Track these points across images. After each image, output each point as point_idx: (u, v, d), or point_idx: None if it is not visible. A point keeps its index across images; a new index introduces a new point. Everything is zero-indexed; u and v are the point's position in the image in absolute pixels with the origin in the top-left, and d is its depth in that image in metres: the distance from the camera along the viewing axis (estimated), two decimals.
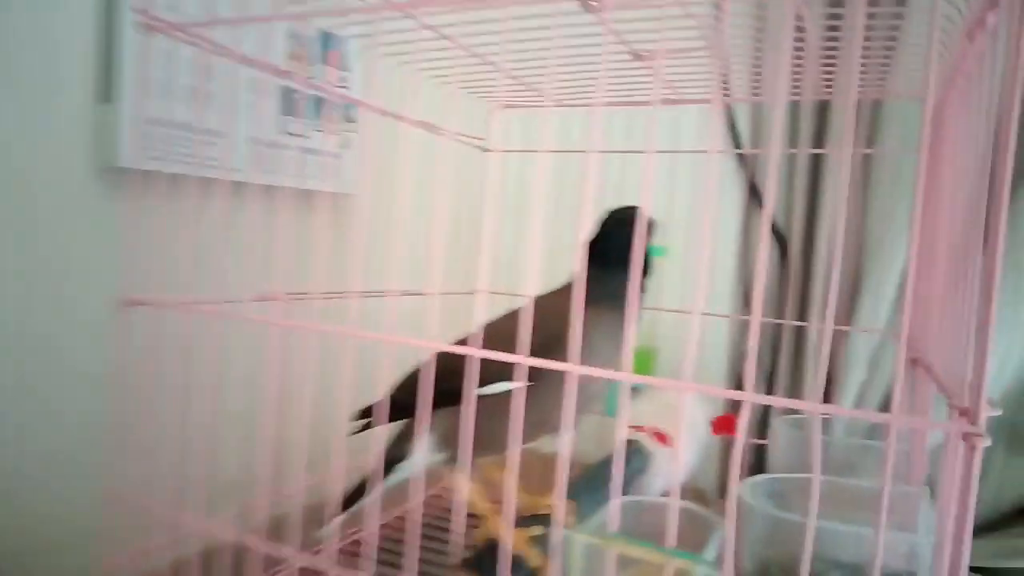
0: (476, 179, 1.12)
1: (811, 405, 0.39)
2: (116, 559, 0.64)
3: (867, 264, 1.08)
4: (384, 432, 0.69)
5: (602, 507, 0.65)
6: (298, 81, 0.79)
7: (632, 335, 0.43)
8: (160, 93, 0.72)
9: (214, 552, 0.62)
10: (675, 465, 0.76)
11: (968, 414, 0.40)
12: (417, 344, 0.51)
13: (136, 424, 0.63)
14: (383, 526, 0.99)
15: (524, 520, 0.62)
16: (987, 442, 0.37)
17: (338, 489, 0.55)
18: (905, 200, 1.04)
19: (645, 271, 0.67)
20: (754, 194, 1.19)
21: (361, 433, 0.68)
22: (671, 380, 0.43)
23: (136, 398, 0.62)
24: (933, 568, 0.47)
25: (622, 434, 0.43)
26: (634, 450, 0.78)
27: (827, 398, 1.17)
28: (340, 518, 0.66)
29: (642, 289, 0.67)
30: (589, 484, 0.68)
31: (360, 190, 1.04)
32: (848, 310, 1.09)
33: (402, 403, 0.64)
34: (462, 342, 0.51)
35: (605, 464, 0.74)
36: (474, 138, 1.06)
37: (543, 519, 0.61)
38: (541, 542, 0.57)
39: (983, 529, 1.01)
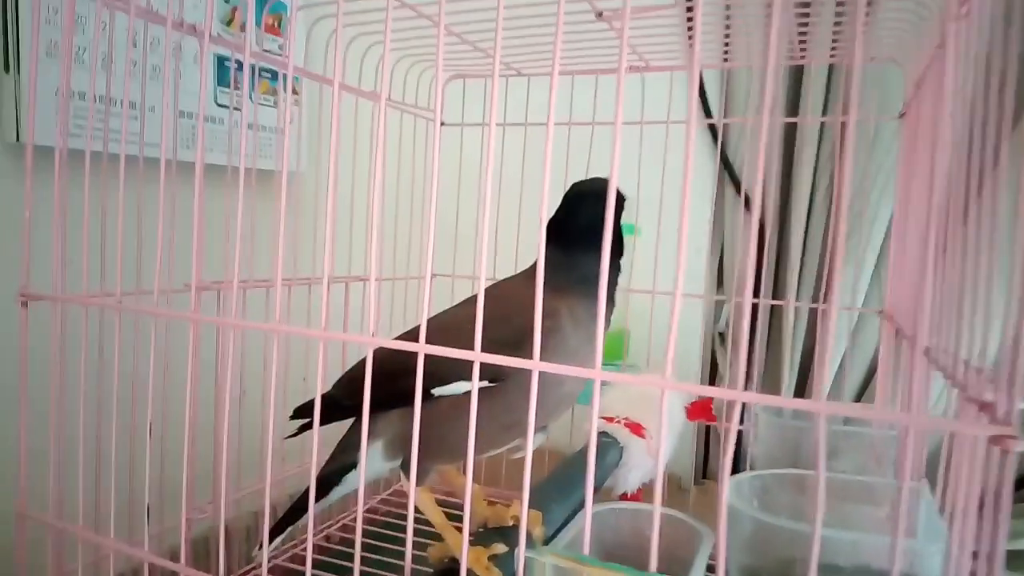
0: (443, 156, 1.04)
1: (816, 404, 0.33)
2: None
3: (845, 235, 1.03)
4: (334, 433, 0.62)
5: (574, 511, 0.59)
6: (216, 42, 0.71)
7: (603, 325, 0.37)
8: (69, 62, 0.64)
9: (139, 574, 0.55)
10: (654, 466, 0.71)
11: (990, 409, 0.35)
12: (350, 339, 0.44)
13: (45, 436, 0.56)
14: (338, 532, 0.93)
15: (487, 535, 0.55)
16: (1022, 447, 0.31)
17: (273, 498, 0.49)
18: (884, 168, 1.00)
19: (617, 251, 0.60)
20: (726, 166, 1.13)
21: (300, 435, 0.62)
22: (651, 378, 0.36)
23: (45, 406, 0.55)
24: None
25: (593, 436, 0.37)
26: (608, 443, 0.72)
27: (803, 377, 1.13)
28: (279, 538, 0.59)
29: (616, 271, 0.60)
30: (560, 486, 0.62)
31: (300, 167, 0.96)
32: (826, 285, 1.04)
33: (348, 402, 0.57)
34: (413, 334, 0.44)
35: (577, 463, 0.68)
36: (424, 110, 0.98)
37: (508, 533, 0.54)
38: (505, 562, 0.50)
39: None
